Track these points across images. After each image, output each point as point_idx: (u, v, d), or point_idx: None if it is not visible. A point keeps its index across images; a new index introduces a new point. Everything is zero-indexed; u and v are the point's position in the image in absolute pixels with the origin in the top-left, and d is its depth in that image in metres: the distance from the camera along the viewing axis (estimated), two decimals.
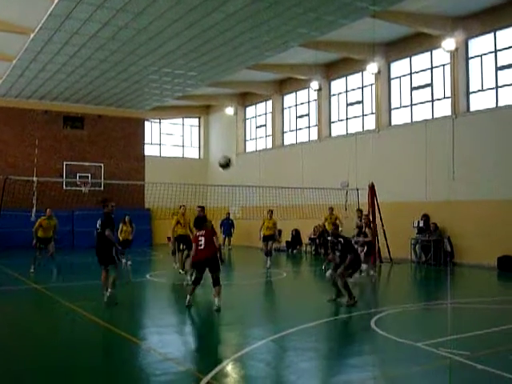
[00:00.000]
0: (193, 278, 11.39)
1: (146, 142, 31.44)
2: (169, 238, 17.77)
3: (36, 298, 12.92)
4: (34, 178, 17.61)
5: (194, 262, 11.09)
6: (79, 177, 26.26)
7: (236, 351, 7.68)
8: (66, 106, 28.25)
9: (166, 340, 8.53)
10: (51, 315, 10.81)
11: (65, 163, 27.02)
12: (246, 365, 7.29)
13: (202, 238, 10.63)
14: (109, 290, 11.23)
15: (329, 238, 12.15)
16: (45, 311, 11.25)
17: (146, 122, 31.37)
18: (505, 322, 9.52)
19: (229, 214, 26.60)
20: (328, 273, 11.69)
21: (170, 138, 33.04)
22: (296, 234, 25.46)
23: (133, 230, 18.66)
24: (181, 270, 15.90)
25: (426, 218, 19.77)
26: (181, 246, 16.15)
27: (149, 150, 31.62)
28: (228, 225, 26.93)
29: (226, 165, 14.21)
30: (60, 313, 10.91)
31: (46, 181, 22.02)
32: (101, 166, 27.99)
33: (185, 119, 33.44)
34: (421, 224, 19.80)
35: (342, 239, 11.61)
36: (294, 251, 25.06)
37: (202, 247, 10.62)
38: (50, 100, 27.46)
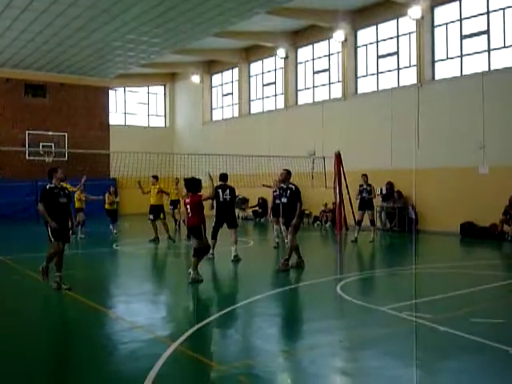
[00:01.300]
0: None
1: (110, 110, 30.91)
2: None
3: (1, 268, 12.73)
4: None
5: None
6: (42, 146, 25.73)
7: (204, 318, 7.72)
8: (27, 73, 27.48)
9: (134, 308, 8.54)
10: (17, 287, 10.66)
11: (27, 132, 26.40)
12: (214, 331, 7.37)
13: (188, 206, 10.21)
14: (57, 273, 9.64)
15: (281, 185, 11.55)
16: (10, 283, 11.09)
17: (110, 91, 30.80)
18: (466, 286, 9.78)
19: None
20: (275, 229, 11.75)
21: (134, 107, 32.56)
22: (263, 202, 25.49)
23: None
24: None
25: (390, 185, 20.05)
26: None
27: (114, 119, 31.11)
28: None
29: None
30: (25, 283, 10.77)
31: (8, 150, 21.58)
32: (64, 136, 27.43)
33: (150, 87, 32.95)
34: (384, 191, 20.07)
35: (293, 186, 11.28)
36: (262, 219, 25.16)
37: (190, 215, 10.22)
38: (11, 67, 26.69)
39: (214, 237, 12.76)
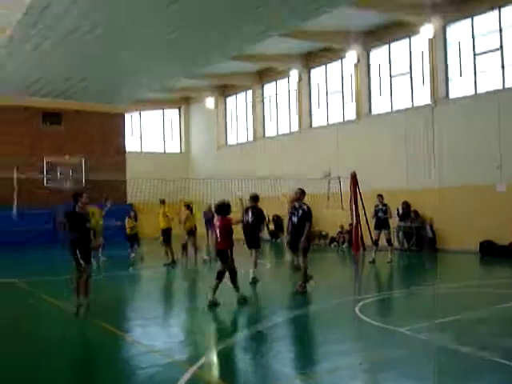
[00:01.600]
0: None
1: (126, 135, 31.24)
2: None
3: (16, 292, 12.78)
4: (15, 175, 17.42)
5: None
6: (60, 173, 25.98)
7: (223, 341, 7.68)
8: (44, 101, 27.88)
9: (150, 332, 8.52)
10: (36, 310, 10.70)
11: (45, 160, 26.69)
12: (233, 354, 7.31)
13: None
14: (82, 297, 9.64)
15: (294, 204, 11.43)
16: (28, 306, 11.13)
17: (125, 116, 31.15)
18: (486, 305, 9.64)
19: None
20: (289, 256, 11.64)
21: (150, 132, 32.88)
22: (278, 221, 25.38)
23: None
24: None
25: (406, 205, 19.92)
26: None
27: (130, 145, 31.40)
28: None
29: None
30: (43, 307, 10.81)
31: (27, 178, 21.80)
32: (81, 161, 27.69)
33: (165, 111, 33.27)
34: (401, 211, 19.94)
35: (305, 206, 11.14)
36: (278, 240, 25.10)
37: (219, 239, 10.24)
38: (29, 95, 27.10)
39: None
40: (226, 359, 7.10)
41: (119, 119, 30.70)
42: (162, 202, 17.49)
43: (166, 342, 7.90)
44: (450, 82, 19.57)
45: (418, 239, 19.33)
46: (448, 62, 19.57)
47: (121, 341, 8.06)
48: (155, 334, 8.47)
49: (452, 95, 19.46)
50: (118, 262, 18.27)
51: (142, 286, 14.53)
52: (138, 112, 32.08)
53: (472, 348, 6.72)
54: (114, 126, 30.51)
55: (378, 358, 6.75)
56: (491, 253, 17.13)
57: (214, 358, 6.90)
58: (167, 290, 13.77)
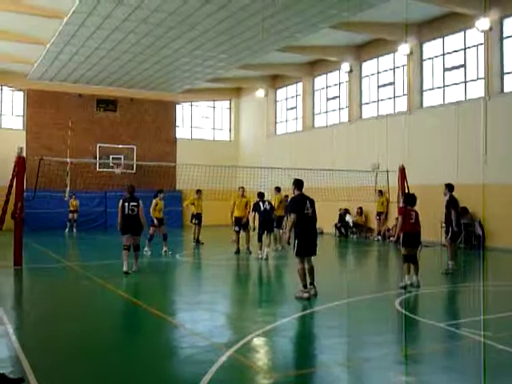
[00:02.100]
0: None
1: (177, 124, 31.77)
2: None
3: (72, 276, 13.30)
4: (68, 160, 17.99)
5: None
6: (112, 158, 26.68)
7: (261, 327, 7.85)
8: (99, 89, 28.68)
9: (194, 316, 8.76)
10: (86, 292, 11.13)
11: (98, 145, 27.45)
12: (270, 340, 7.46)
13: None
14: None
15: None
16: (80, 288, 11.58)
17: (177, 106, 31.66)
18: None
19: (287, 196, 25.25)
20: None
21: (200, 121, 33.25)
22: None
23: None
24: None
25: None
26: (235, 228, 16.99)
27: (180, 133, 31.93)
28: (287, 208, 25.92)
29: None
30: (94, 290, 11.25)
31: (80, 162, 22.49)
32: (133, 149, 28.35)
33: (216, 102, 33.58)
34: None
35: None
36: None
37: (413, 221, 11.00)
38: (84, 83, 27.88)
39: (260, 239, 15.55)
40: (264, 344, 7.25)
41: (171, 108, 31.29)
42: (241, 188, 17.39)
43: (207, 325, 8.12)
44: (505, 76, 19.10)
45: (466, 236, 19.00)
46: (504, 56, 19.08)
47: (164, 323, 8.32)
48: (198, 317, 8.71)
49: (507, 89, 18.99)
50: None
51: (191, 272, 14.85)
52: (189, 101, 32.45)
53: (509, 345, 6.66)
54: (167, 115, 31.14)
55: (412, 351, 6.78)
56: None
57: (252, 343, 7.06)
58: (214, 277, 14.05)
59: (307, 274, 9.82)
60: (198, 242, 19.63)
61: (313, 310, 8.87)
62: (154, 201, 16.16)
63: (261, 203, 15.90)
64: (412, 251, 10.81)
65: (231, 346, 6.69)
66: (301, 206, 9.82)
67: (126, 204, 12.54)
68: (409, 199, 11.28)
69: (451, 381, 5.80)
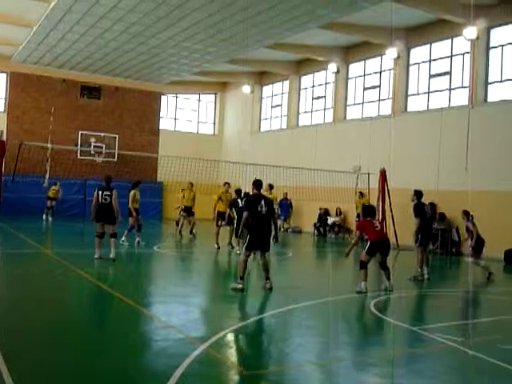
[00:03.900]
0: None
1: (161, 115, 31.58)
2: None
3: (47, 262, 13.17)
4: (49, 145, 17.81)
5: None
6: (94, 146, 26.45)
7: (236, 323, 7.85)
8: (83, 75, 28.39)
9: (169, 309, 8.74)
10: (61, 281, 11.03)
11: (80, 132, 27.19)
12: (244, 336, 7.47)
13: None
14: None
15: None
16: (53, 276, 11.47)
17: (162, 96, 31.47)
18: (501, 312, 9.62)
19: (286, 193, 25.17)
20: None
21: (185, 113, 33.12)
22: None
23: None
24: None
25: (431, 206, 19.70)
26: (219, 222, 16.98)
27: (164, 124, 31.77)
28: (286, 205, 25.81)
29: None
30: (68, 278, 11.15)
31: (61, 148, 22.27)
32: (115, 137, 28.13)
33: (201, 95, 33.46)
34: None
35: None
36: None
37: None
38: (69, 69, 27.59)
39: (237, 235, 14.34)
40: (238, 340, 7.26)
41: (156, 98, 31.09)
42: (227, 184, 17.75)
43: (181, 319, 8.10)
44: (489, 86, 19.30)
45: (443, 242, 19.18)
46: (489, 66, 19.28)
47: (139, 315, 8.29)
48: (173, 310, 8.69)
49: (490, 98, 19.20)
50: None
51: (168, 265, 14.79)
52: (174, 93, 32.30)
53: (480, 351, 6.73)
54: (151, 105, 30.95)
55: (384, 354, 6.83)
56: None
57: (226, 338, 7.06)
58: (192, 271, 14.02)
59: (263, 269, 10.37)
60: (191, 233, 19.56)
61: (288, 309, 8.88)
62: (132, 192, 16.07)
63: (239, 200, 15.78)
64: (379, 259, 10.78)
65: (205, 341, 6.67)
66: (254, 204, 10.32)
67: (100, 192, 12.83)
68: (367, 211, 11.45)
69: None
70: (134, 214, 15.98)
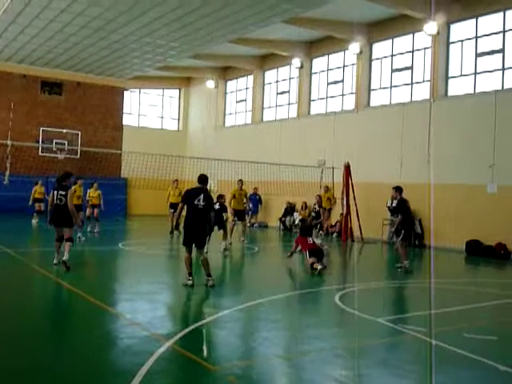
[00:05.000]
0: None
1: (124, 111, 31.20)
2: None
3: (7, 262, 12.90)
4: (9, 142, 17.44)
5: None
6: (55, 143, 26.00)
7: (202, 318, 7.83)
8: (44, 71, 27.83)
9: (134, 306, 8.66)
10: (21, 279, 10.82)
11: (41, 129, 26.68)
12: (210, 331, 7.44)
13: None
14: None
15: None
16: (15, 275, 11.25)
17: (125, 92, 31.09)
18: (464, 302, 9.81)
19: (256, 188, 24.77)
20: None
21: (149, 109, 32.82)
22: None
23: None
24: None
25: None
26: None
27: (127, 120, 31.40)
28: (256, 200, 25.18)
29: None
30: (30, 277, 10.95)
31: (21, 145, 21.81)
32: (78, 134, 27.70)
33: (165, 90, 33.20)
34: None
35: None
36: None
37: None
38: (29, 64, 27.03)
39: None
40: (204, 336, 7.23)
41: (119, 94, 30.67)
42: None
43: (147, 316, 8.04)
44: (449, 80, 19.63)
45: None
46: (450, 60, 19.61)
47: (104, 312, 8.19)
48: (138, 307, 8.61)
49: (451, 93, 19.53)
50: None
51: (132, 262, 14.65)
52: (138, 89, 31.98)
53: (443, 341, 6.86)
54: (114, 101, 30.51)
55: (351, 345, 6.89)
56: (477, 252, 17.28)
57: (192, 334, 7.03)
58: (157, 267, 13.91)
59: (202, 266, 10.29)
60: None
61: (254, 303, 8.89)
62: (72, 188, 15.69)
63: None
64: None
65: (171, 337, 6.64)
66: (191, 197, 10.22)
67: (56, 192, 11.50)
68: (304, 231, 13.59)
69: (388, 375, 5.92)
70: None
